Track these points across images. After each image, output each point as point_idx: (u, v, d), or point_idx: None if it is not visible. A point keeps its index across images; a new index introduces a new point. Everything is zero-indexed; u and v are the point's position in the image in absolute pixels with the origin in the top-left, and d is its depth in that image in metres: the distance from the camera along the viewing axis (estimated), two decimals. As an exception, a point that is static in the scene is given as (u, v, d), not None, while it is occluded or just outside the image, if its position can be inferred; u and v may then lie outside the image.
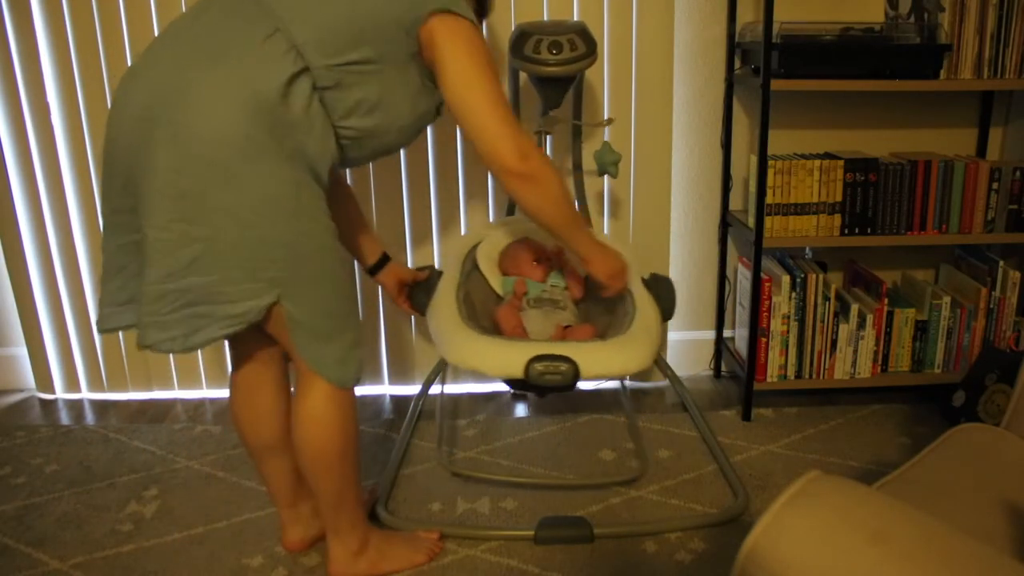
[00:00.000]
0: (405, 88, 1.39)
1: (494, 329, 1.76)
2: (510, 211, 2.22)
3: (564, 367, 1.48)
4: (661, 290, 1.80)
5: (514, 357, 1.50)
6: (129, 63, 2.20)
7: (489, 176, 2.33)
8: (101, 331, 1.43)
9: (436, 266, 2.20)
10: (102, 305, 1.42)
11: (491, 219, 2.34)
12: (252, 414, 1.57)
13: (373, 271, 1.85)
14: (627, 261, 1.74)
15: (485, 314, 1.83)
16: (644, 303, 1.71)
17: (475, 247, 1.99)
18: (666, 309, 1.77)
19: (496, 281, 1.95)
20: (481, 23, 1.61)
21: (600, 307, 1.85)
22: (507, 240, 1.99)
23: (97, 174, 2.29)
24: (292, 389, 1.54)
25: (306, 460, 1.48)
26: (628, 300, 1.74)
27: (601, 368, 1.51)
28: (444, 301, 1.72)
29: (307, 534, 1.69)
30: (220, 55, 1.27)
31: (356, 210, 1.77)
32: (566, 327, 1.75)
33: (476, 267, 1.95)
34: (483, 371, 1.52)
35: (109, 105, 1.37)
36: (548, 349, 1.51)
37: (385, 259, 1.86)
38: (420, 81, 1.41)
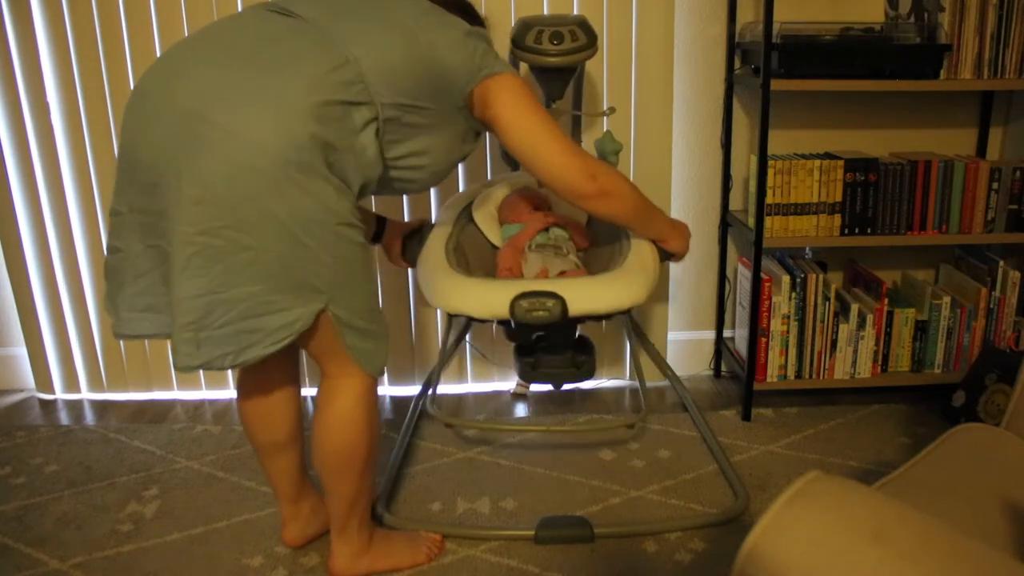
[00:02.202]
0: (451, 138, 1.47)
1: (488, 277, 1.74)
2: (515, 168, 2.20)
3: (551, 303, 1.47)
4: None
5: (499, 296, 1.48)
6: (129, 63, 2.20)
7: (489, 164, 2.33)
8: (120, 337, 1.38)
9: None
10: (119, 309, 1.37)
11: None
12: (263, 410, 1.57)
13: (375, 239, 1.85)
14: (687, 228, 1.78)
15: (479, 265, 1.81)
16: (641, 242, 1.69)
17: (472, 202, 1.98)
18: (664, 249, 1.74)
19: (494, 232, 1.93)
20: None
21: (605, 257, 1.83)
22: (504, 192, 1.97)
23: (97, 174, 2.29)
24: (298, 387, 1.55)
25: (331, 462, 1.48)
26: (624, 242, 1.72)
27: (590, 303, 1.50)
28: (433, 249, 1.70)
29: (307, 531, 1.69)
30: (285, 64, 1.26)
31: None
32: (561, 273, 1.71)
33: (472, 220, 1.93)
34: (469, 313, 1.51)
35: (131, 93, 1.32)
36: (534, 286, 1.49)
37: (382, 221, 1.85)
38: (462, 132, 1.49)
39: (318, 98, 1.25)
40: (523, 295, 1.48)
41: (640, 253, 1.65)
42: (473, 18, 1.60)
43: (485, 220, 1.95)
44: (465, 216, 1.93)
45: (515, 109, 1.45)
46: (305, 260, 1.28)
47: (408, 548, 1.65)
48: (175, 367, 1.28)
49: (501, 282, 1.55)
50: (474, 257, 1.83)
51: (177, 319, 1.26)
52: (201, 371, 2.45)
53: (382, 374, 1.48)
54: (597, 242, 1.90)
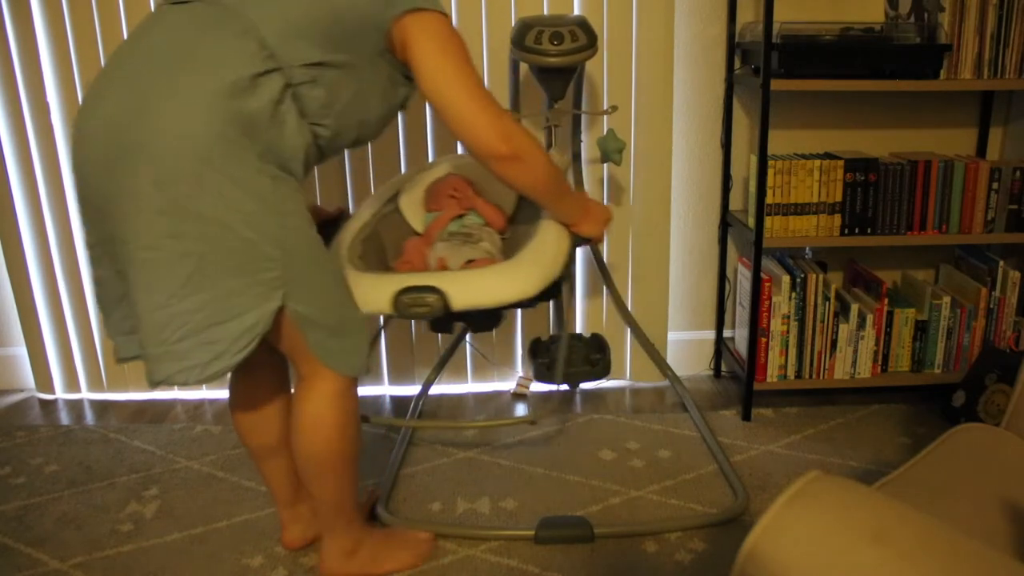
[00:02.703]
0: (376, 85, 1.39)
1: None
2: None
3: (431, 298, 1.44)
4: None
5: (381, 292, 1.46)
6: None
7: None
8: (121, 361, 1.39)
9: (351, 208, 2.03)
10: (113, 335, 1.39)
11: None
12: (252, 415, 1.57)
13: None
14: (608, 210, 1.70)
15: (397, 255, 1.76)
16: (550, 228, 1.61)
17: (401, 188, 1.91)
18: (576, 237, 1.65)
19: (418, 220, 1.87)
20: None
21: (522, 244, 1.71)
22: (436, 176, 1.91)
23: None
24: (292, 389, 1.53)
25: (307, 464, 1.47)
26: (536, 226, 1.64)
27: (472, 297, 1.46)
28: (340, 242, 1.65)
29: (307, 533, 1.69)
30: (183, 62, 1.24)
31: None
32: (469, 262, 1.66)
33: (397, 208, 1.88)
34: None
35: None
36: (416, 280, 1.46)
37: None
38: (389, 77, 1.40)
39: (227, 81, 1.22)
40: (404, 290, 1.45)
41: (543, 242, 1.57)
42: None
43: (410, 207, 1.88)
44: (392, 204, 1.87)
45: (435, 52, 1.35)
46: (252, 257, 1.25)
47: (400, 550, 1.64)
48: (148, 383, 1.28)
49: (386, 277, 1.51)
50: (394, 247, 1.78)
51: (141, 336, 1.27)
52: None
53: (360, 373, 1.43)
54: (519, 227, 1.83)
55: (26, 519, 1.83)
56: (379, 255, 1.72)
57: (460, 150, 2.29)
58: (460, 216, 1.78)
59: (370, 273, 1.54)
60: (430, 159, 2.31)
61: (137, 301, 1.26)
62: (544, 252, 1.55)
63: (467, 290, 1.47)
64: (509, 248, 1.78)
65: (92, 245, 1.35)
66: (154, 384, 1.27)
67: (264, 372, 1.54)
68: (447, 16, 1.39)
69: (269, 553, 1.69)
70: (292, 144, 1.31)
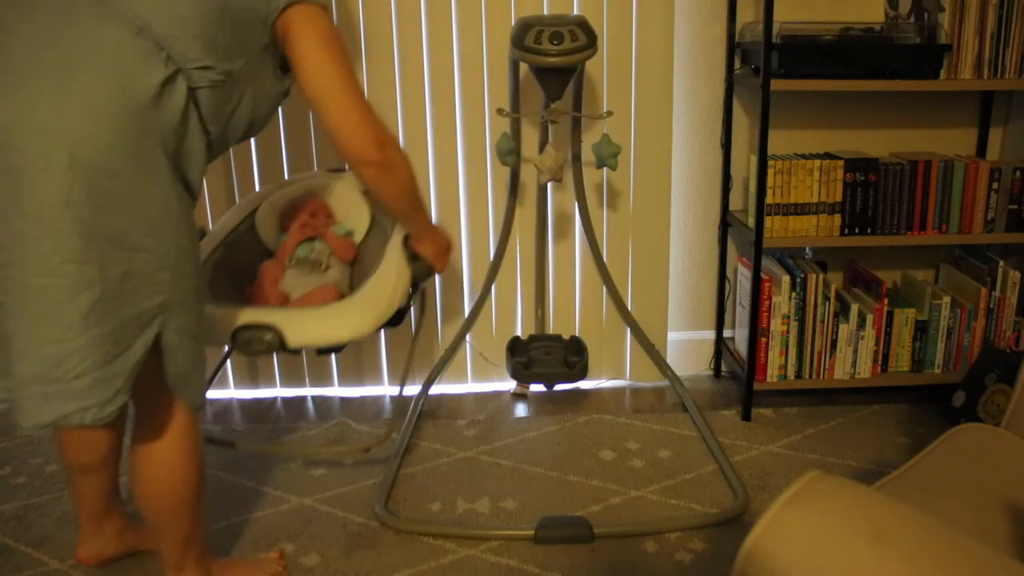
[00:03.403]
0: (264, 84, 1.34)
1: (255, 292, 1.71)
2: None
3: (268, 336, 1.48)
4: (411, 251, 1.69)
5: (223, 326, 1.48)
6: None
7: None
8: None
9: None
10: None
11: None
12: (81, 434, 1.47)
13: None
14: (450, 240, 1.71)
15: (252, 277, 1.75)
16: (391, 264, 1.63)
17: (259, 206, 1.90)
18: (419, 271, 1.66)
19: (272, 238, 1.87)
20: None
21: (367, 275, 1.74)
22: (290, 197, 1.91)
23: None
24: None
25: (157, 507, 1.39)
26: (379, 261, 1.67)
27: (307, 337, 1.51)
28: None
29: (106, 551, 1.61)
30: (76, 63, 1.12)
31: None
32: (315, 289, 1.68)
33: (253, 227, 1.86)
34: None
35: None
36: (253, 318, 1.49)
37: None
38: (274, 71, 1.36)
39: (137, 90, 1.14)
40: (242, 327, 1.49)
41: (383, 277, 1.61)
42: None
43: (266, 226, 1.87)
44: (249, 220, 1.86)
45: (317, 44, 1.32)
46: (145, 283, 1.17)
47: (249, 570, 1.59)
48: (21, 426, 1.15)
49: (228, 311, 1.52)
50: (248, 268, 1.76)
51: (20, 374, 1.14)
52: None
53: (201, 407, 1.36)
54: (365, 256, 1.85)
55: (26, 519, 1.83)
56: (233, 278, 1.70)
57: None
58: (310, 239, 1.79)
59: (212, 306, 1.53)
60: (315, 167, 2.27)
61: (18, 335, 1.13)
62: (383, 289, 1.59)
63: (303, 329, 1.51)
64: (356, 275, 1.80)
65: None
66: (38, 428, 1.15)
67: None
68: (329, 10, 1.37)
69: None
70: (195, 151, 1.25)
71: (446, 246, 1.69)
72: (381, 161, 1.39)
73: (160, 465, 1.36)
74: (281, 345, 1.49)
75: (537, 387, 2.44)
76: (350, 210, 1.90)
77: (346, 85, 1.33)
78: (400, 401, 2.39)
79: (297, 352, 1.60)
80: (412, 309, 1.81)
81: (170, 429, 1.34)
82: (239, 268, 1.74)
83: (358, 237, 1.88)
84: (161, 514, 1.40)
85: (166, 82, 1.17)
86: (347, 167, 2.02)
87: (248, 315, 1.51)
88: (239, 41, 1.26)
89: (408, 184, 1.48)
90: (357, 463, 2.05)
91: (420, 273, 1.67)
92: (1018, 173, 2.15)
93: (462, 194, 2.34)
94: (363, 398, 2.44)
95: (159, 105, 1.17)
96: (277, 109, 1.43)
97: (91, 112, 1.11)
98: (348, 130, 1.35)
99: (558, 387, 2.41)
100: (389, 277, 1.62)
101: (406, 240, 1.67)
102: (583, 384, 2.49)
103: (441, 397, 2.44)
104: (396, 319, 1.63)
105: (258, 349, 1.49)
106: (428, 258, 1.65)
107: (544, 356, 2.24)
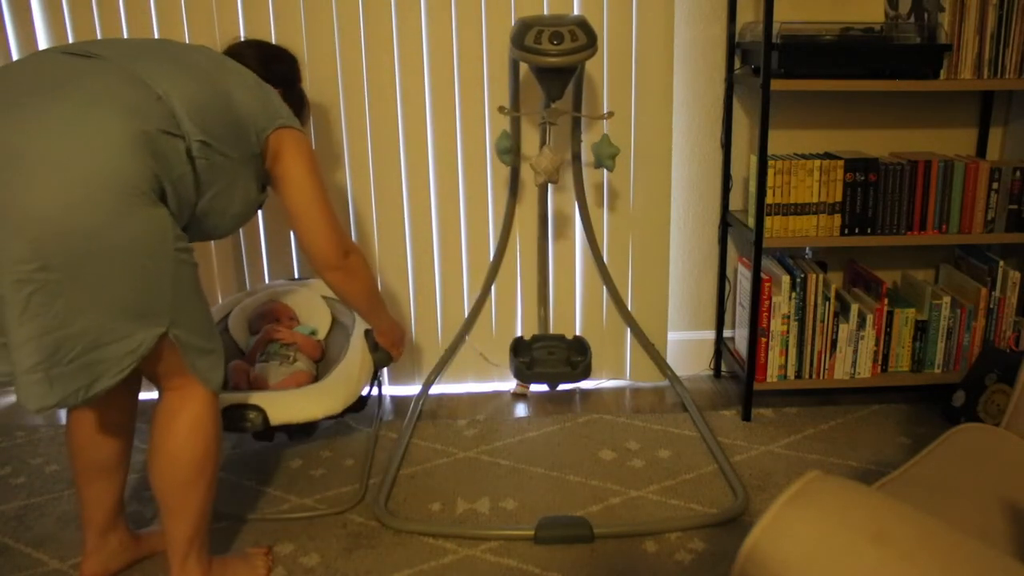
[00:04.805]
0: (245, 182, 1.47)
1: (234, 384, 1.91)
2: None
3: (253, 415, 1.69)
4: (372, 341, 1.98)
5: None
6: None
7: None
8: None
9: None
10: None
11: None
12: (95, 429, 1.52)
13: None
14: (404, 331, 2.02)
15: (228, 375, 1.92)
16: (355, 354, 1.92)
17: (232, 311, 2.16)
18: (380, 358, 1.98)
19: (243, 340, 2.11)
20: (302, 120, 1.79)
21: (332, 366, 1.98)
22: (258, 303, 2.17)
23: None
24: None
25: (181, 475, 1.44)
26: (343, 353, 1.94)
27: (289, 414, 1.73)
28: None
29: (110, 565, 1.62)
30: (101, 98, 1.25)
31: None
32: (287, 377, 1.91)
33: (227, 329, 2.11)
34: None
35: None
36: (240, 399, 1.71)
37: None
38: (256, 179, 1.51)
39: (143, 127, 1.26)
40: (230, 407, 1.69)
41: (350, 364, 1.89)
42: (283, 76, 1.74)
43: (238, 330, 2.12)
44: (221, 325, 2.11)
45: (304, 167, 1.54)
46: (147, 287, 1.29)
47: (245, 568, 1.61)
48: (29, 409, 1.27)
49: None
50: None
51: (21, 362, 1.24)
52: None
53: (220, 390, 1.49)
54: (330, 350, 2.10)
55: (26, 519, 1.83)
56: None
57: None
58: (273, 340, 2.02)
59: None
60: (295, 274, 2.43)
61: (18, 326, 1.22)
62: (351, 373, 1.86)
63: (283, 408, 1.73)
64: (322, 368, 2.04)
65: None
66: (45, 409, 1.27)
67: (118, 388, 1.40)
68: (308, 136, 1.59)
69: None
70: (186, 201, 1.37)
71: (400, 337, 2.00)
72: (344, 267, 1.65)
73: (183, 432, 1.44)
74: (265, 423, 1.69)
75: (539, 387, 2.45)
76: (313, 312, 2.19)
77: (321, 205, 1.58)
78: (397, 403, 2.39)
79: (272, 436, 1.82)
80: (372, 396, 2.09)
81: (198, 399, 1.45)
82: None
83: (321, 335, 2.15)
84: (176, 483, 1.45)
85: (168, 133, 1.31)
86: (307, 277, 2.35)
87: (235, 397, 1.72)
88: (235, 140, 1.42)
89: (369, 284, 1.75)
90: (357, 463, 2.05)
91: (381, 360, 1.98)
92: (1018, 173, 2.15)
93: (462, 194, 2.34)
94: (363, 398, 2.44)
95: (167, 144, 1.30)
96: (249, 218, 1.57)
97: (104, 139, 1.23)
98: (319, 238, 1.59)
99: (560, 387, 2.42)
100: (355, 362, 1.90)
101: (367, 333, 1.99)
102: (583, 384, 2.49)
103: (441, 397, 2.44)
104: (359, 404, 1.89)
105: (244, 426, 1.69)
106: (387, 347, 1.97)
107: (547, 356, 2.25)
